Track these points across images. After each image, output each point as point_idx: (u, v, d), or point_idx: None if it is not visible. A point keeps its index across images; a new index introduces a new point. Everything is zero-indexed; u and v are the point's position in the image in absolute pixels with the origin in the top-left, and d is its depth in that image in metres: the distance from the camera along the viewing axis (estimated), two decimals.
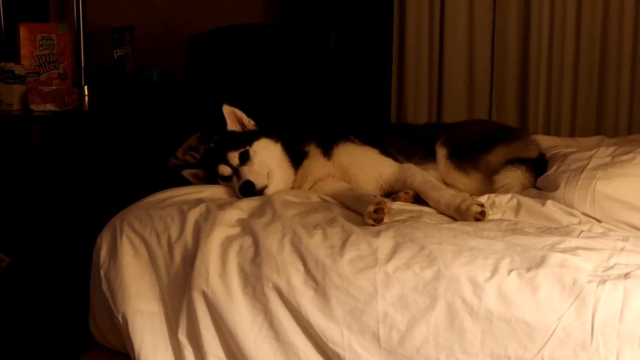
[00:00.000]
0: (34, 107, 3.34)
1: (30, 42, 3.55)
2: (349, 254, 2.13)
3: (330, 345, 2.07)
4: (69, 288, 2.80)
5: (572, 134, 3.74)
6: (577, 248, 2.11)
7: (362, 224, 2.33)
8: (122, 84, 4.00)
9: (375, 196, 2.41)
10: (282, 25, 4.19)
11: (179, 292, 2.23)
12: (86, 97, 3.82)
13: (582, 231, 2.28)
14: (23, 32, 3.54)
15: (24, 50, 3.54)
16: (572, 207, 2.45)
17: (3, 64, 3.38)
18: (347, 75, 3.91)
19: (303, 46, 3.86)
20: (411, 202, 2.62)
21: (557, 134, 3.72)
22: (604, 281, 1.97)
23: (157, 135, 3.63)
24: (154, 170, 3.27)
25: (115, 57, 4.03)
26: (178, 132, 3.43)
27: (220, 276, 2.17)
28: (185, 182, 2.81)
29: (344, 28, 3.92)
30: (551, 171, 2.65)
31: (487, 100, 3.89)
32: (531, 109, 3.81)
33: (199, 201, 2.46)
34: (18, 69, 3.39)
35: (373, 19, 4.02)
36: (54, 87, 3.51)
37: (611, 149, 2.70)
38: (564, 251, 2.09)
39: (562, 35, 3.74)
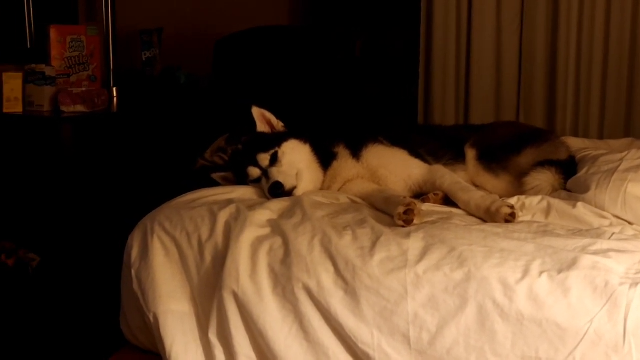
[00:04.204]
0: (64, 108, 3.36)
1: (60, 44, 3.58)
2: (379, 255, 2.13)
3: (360, 345, 2.07)
4: (100, 287, 2.82)
5: (601, 136, 3.73)
6: (608, 250, 2.10)
7: (392, 225, 2.33)
8: (151, 85, 4.03)
9: (405, 197, 2.42)
10: (309, 27, 4.20)
11: (209, 292, 2.23)
12: (115, 99, 3.84)
13: (613, 233, 2.26)
14: (53, 34, 3.57)
15: (54, 52, 3.57)
16: (603, 209, 2.43)
17: (34, 65, 3.41)
18: (374, 77, 3.91)
19: (330, 48, 3.86)
20: (440, 204, 2.62)
21: (586, 136, 3.70)
22: (636, 283, 1.96)
23: (185, 136, 3.66)
24: (182, 171, 3.28)
25: (144, 59, 4.05)
26: (206, 133, 3.45)
27: (250, 276, 2.17)
28: (213, 183, 2.82)
29: (370, 30, 3.92)
30: (582, 173, 2.64)
31: (514, 103, 3.88)
32: (559, 111, 3.79)
33: (229, 202, 2.47)
34: (48, 71, 3.41)
35: (400, 21, 4.02)
36: (83, 89, 3.53)
37: None
38: (595, 253, 2.07)
39: (591, 37, 3.72)
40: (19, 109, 3.38)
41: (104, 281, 2.71)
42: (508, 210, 2.38)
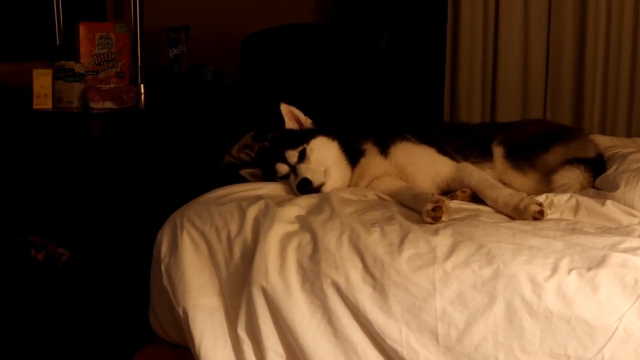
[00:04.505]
0: (93, 104, 3.40)
1: (89, 41, 3.62)
2: (408, 251, 2.13)
3: (389, 341, 2.07)
4: (129, 282, 2.85)
5: (629, 134, 3.71)
6: (638, 248, 2.08)
7: (420, 222, 2.33)
8: (177, 82, 4.05)
9: (433, 194, 2.41)
10: (334, 25, 4.21)
11: (238, 287, 2.24)
12: (142, 96, 3.87)
13: None
14: (82, 31, 3.61)
15: (83, 49, 3.62)
16: (633, 207, 2.41)
17: (63, 62, 3.45)
18: (400, 75, 3.91)
19: (356, 46, 3.87)
20: (468, 201, 2.61)
21: (613, 134, 3.68)
22: None
23: (211, 133, 3.68)
24: (209, 167, 3.30)
25: (171, 56, 4.08)
26: (232, 130, 3.47)
27: (279, 272, 2.18)
28: (239, 179, 2.83)
29: (397, 28, 3.92)
30: (610, 171, 2.63)
31: (541, 101, 3.87)
32: (586, 109, 3.77)
33: (257, 198, 2.48)
34: (78, 68, 3.45)
35: (426, 19, 4.02)
36: (112, 85, 3.57)
37: None
38: (624, 251, 2.06)
39: (619, 34, 3.70)
40: (48, 105, 3.43)
41: (132, 276, 2.74)
42: (536, 208, 2.37)
